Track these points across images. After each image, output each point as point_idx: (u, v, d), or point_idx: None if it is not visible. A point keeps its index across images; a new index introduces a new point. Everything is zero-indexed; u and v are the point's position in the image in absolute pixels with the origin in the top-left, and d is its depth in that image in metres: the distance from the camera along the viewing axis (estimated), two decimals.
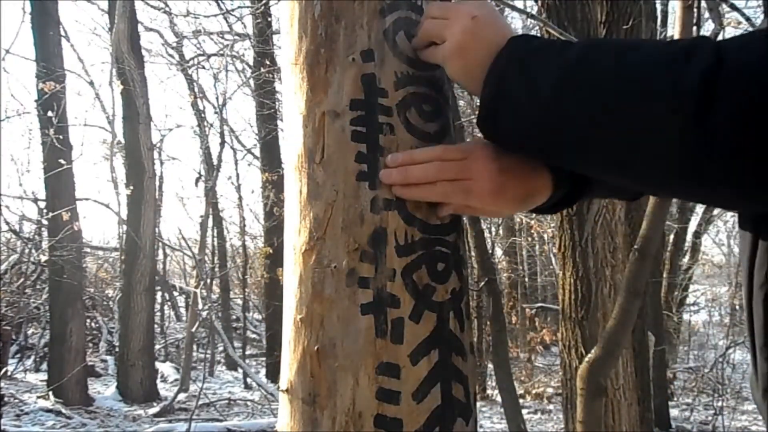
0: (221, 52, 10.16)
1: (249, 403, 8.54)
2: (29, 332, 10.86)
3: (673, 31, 2.88)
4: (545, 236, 11.65)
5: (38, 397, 8.00)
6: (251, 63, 10.72)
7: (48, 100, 7.58)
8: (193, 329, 8.70)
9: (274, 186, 9.68)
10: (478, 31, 0.73)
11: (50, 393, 7.75)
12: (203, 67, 11.92)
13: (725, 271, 15.56)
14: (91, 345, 10.95)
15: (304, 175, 0.79)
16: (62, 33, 8.76)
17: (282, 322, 0.81)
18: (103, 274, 13.99)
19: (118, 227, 10.72)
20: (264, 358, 10.91)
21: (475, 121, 0.82)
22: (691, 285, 12.11)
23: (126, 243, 9.01)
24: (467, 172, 0.74)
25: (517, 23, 12.29)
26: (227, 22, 11.02)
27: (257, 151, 11.62)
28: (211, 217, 12.05)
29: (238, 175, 13.61)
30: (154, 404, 8.18)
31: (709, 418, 7.52)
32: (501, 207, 0.79)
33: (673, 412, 7.86)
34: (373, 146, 0.76)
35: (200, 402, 7.16)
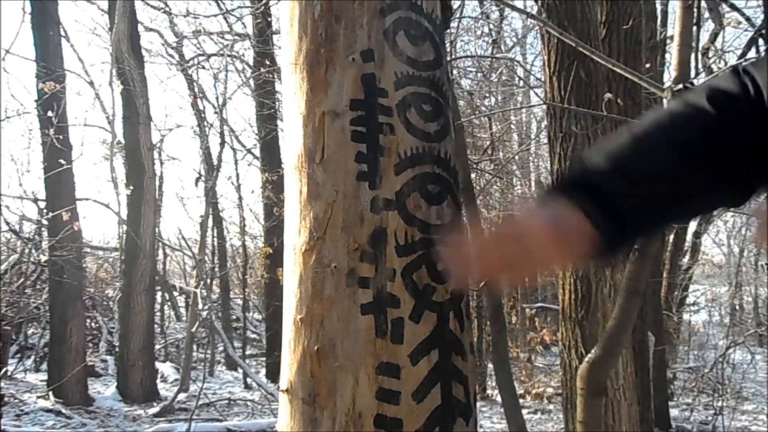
0: (221, 52, 10.15)
1: (249, 403, 8.53)
2: (29, 332, 10.84)
3: (673, 31, 2.88)
4: None
5: (38, 397, 7.99)
6: (251, 63, 10.70)
7: (48, 100, 7.56)
8: (193, 329, 8.70)
9: (274, 186, 9.66)
10: None
11: (50, 393, 7.75)
12: (203, 67, 11.91)
13: (725, 271, 15.53)
14: (91, 345, 10.93)
15: (304, 175, 0.79)
16: (62, 33, 8.75)
17: (282, 322, 0.81)
18: (103, 274, 13.97)
19: (118, 227, 10.71)
20: (264, 358, 10.89)
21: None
22: (691, 285, 12.08)
23: (126, 243, 9.01)
24: None
25: (517, 23, 12.29)
26: (227, 22, 11.01)
27: (257, 151, 11.60)
28: (211, 217, 12.03)
29: (238, 175, 13.62)
30: (154, 404, 8.17)
31: (709, 418, 7.51)
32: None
33: (673, 412, 7.85)
34: (373, 146, 0.76)
35: (200, 402, 7.15)
